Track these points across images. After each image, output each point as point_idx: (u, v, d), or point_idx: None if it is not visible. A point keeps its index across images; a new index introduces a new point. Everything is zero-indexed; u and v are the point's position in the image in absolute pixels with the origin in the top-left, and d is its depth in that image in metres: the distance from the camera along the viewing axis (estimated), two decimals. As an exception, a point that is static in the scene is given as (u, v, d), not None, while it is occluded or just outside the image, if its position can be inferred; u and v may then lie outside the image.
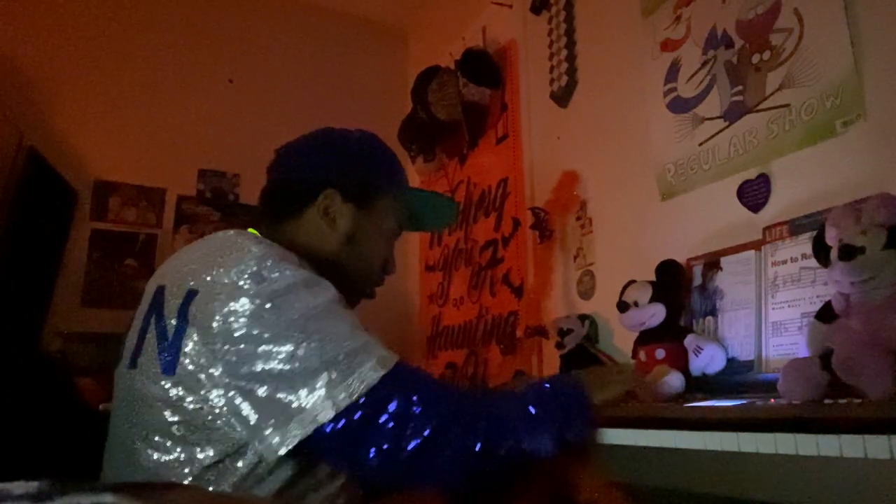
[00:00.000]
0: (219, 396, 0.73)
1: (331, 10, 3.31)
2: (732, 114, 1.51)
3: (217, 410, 0.74)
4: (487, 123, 2.57)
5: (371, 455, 0.72)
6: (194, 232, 2.80)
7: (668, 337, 1.43)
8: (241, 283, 0.75)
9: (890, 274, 0.96)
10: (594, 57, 2.06)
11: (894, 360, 0.85)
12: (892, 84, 1.21)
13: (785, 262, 1.28)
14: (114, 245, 2.69)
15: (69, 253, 2.59)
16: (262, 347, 0.73)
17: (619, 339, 1.80)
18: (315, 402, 0.71)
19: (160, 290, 0.82)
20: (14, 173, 2.20)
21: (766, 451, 0.70)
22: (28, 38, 2.65)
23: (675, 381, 1.33)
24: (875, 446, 0.61)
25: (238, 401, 0.73)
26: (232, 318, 0.73)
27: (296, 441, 0.71)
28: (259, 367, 0.72)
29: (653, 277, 1.51)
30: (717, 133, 1.55)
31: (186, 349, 0.75)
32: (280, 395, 0.72)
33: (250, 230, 0.97)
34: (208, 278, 0.77)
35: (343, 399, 0.71)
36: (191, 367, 0.74)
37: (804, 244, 1.23)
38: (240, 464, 0.75)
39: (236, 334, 0.73)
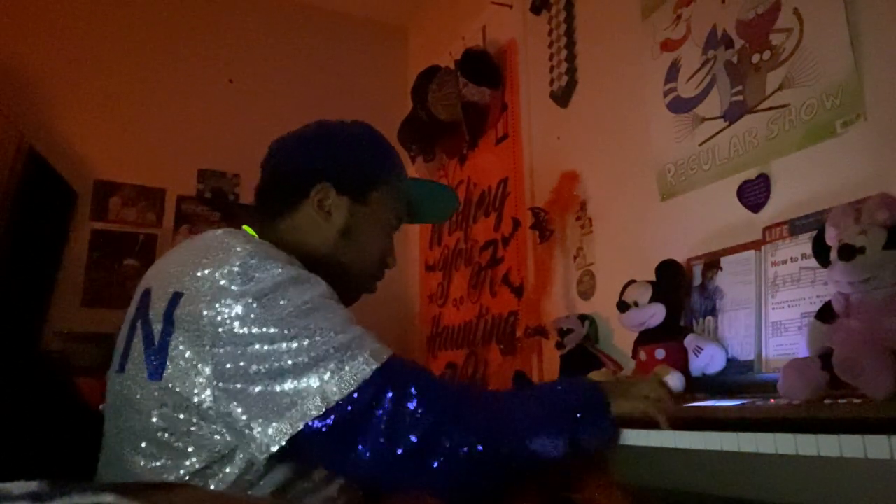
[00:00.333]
0: (208, 398, 0.72)
1: (331, 10, 3.31)
2: (732, 114, 1.51)
3: (205, 414, 0.72)
4: (487, 123, 2.57)
5: (365, 452, 0.70)
6: (194, 232, 2.80)
7: (668, 337, 1.43)
8: (227, 283, 0.73)
9: (890, 274, 0.96)
10: (594, 57, 2.06)
11: (894, 360, 0.85)
12: (892, 84, 1.21)
13: (785, 262, 1.28)
14: (114, 245, 2.69)
15: (69, 253, 2.59)
16: (251, 347, 0.71)
17: (619, 339, 1.80)
18: (305, 397, 0.70)
19: (146, 293, 0.80)
20: (14, 173, 2.20)
21: (766, 451, 0.70)
22: (28, 38, 2.65)
23: (675, 381, 1.33)
24: (875, 446, 0.61)
25: (228, 401, 0.71)
26: (219, 320, 0.72)
27: (286, 437, 0.69)
28: (248, 366, 0.71)
29: (653, 277, 1.51)
30: (717, 133, 1.55)
31: (173, 353, 0.73)
32: (270, 393, 0.70)
33: (245, 227, 0.96)
34: (193, 280, 0.75)
35: (334, 393, 0.70)
36: (178, 371, 0.73)
37: (804, 244, 1.23)
38: (228, 469, 0.73)
39: (224, 336, 0.72)
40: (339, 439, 0.71)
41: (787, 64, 1.39)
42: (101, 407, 0.86)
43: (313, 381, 0.70)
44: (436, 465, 0.72)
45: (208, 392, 0.72)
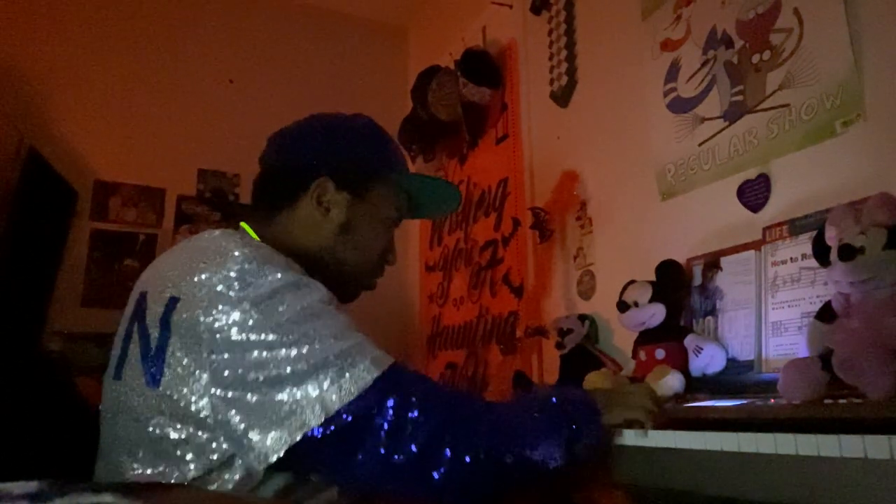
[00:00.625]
0: (206, 406, 0.71)
1: (331, 10, 3.31)
2: (732, 114, 1.51)
3: (204, 422, 0.71)
4: (487, 123, 2.57)
5: (366, 461, 0.69)
6: (194, 232, 2.76)
7: (668, 337, 1.43)
8: (224, 289, 0.72)
9: (890, 274, 0.96)
10: (594, 57, 2.06)
11: (894, 360, 0.85)
12: (892, 84, 1.21)
13: (785, 262, 1.28)
14: (114, 245, 2.69)
15: (69, 253, 2.59)
16: (249, 355, 0.70)
17: (619, 339, 1.80)
18: (305, 405, 0.68)
19: (143, 297, 0.79)
20: (14, 173, 2.20)
21: (766, 451, 0.70)
22: (28, 38, 2.65)
23: (675, 381, 1.33)
24: (875, 446, 0.61)
25: (226, 409, 0.70)
26: (216, 326, 0.70)
27: (286, 446, 0.68)
28: (246, 374, 0.69)
29: (653, 277, 1.51)
30: (717, 133, 1.55)
31: (171, 360, 0.72)
32: (269, 401, 0.68)
33: (243, 224, 0.94)
34: (190, 285, 0.74)
35: (334, 402, 0.68)
36: (175, 378, 0.71)
37: (804, 244, 1.23)
38: (227, 476, 0.72)
39: (221, 343, 0.70)
40: (339, 448, 0.70)
41: (787, 64, 1.39)
42: (101, 406, 0.86)
43: (313, 390, 0.69)
44: (436, 474, 0.71)
45: (206, 400, 0.71)
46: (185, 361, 0.72)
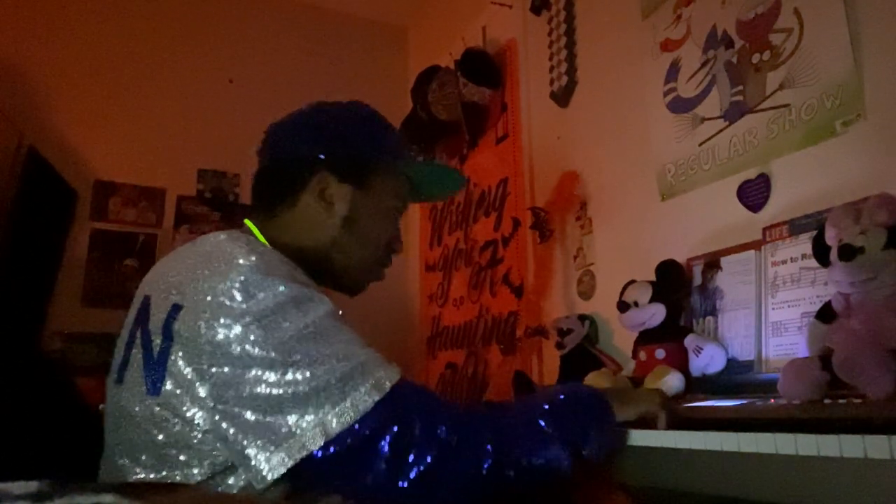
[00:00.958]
0: (203, 419, 0.70)
1: (331, 10, 3.31)
2: (732, 114, 1.51)
3: (202, 432, 0.70)
4: (487, 123, 2.57)
5: (368, 483, 0.69)
6: (194, 232, 2.80)
7: (668, 337, 1.43)
8: (227, 300, 0.71)
9: (890, 274, 0.96)
10: (594, 57, 2.06)
11: (894, 360, 0.85)
12: (892, 84, 1.21)
13: (785, 262, 1.28)
14: (114, 245, 2.69)
15: (69, 253, 2.59)
16: (250, 371, 0.69)
17: (619, 339, 1.80)
18: (305, 428, 0.67)
19: (146, 300, 0.78)
20: (14, 173, 2.20)
21: (766, 451, 0.70)
22: (28, 38, 2.65)
23: (675, 381, 1.33)
24: (875, 446, 0.61)
25: (224, 425, 0.69)
26: (218, 339, 0.69)
27: (283, 469, 0.67)
28: (246, 391, 0.68)
29: (653, 277, 1.51)
30: (717, 133, 1.55)
31: (172, 368, 0.71)
32: (268, 421, 0.68)
33: (246, 221, 0.93)
34: (193, 292, 0.73)
35: (335, 426, 0.68)
36: (176, 387, 0.71)
37: (804, 244, 1.23)
38: (231, 481, 0.72)
39: (222, 356, 0.69)
40: (340, 470, 0.69)
41: (787, 64, 1.39)
42: (101, 407, 0.86)
43: (313, 413, 0.68)
44: (439, 494, 0.70)
45: (206, 413, 0.70)
46: (185, 371, 0.71)
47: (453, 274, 2.80)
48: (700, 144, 1.59)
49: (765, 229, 1.35)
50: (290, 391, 0.68)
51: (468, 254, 2.69)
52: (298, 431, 0.68)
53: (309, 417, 0.68)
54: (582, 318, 1.86)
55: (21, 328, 2.23)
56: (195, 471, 0.72)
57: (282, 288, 0.73)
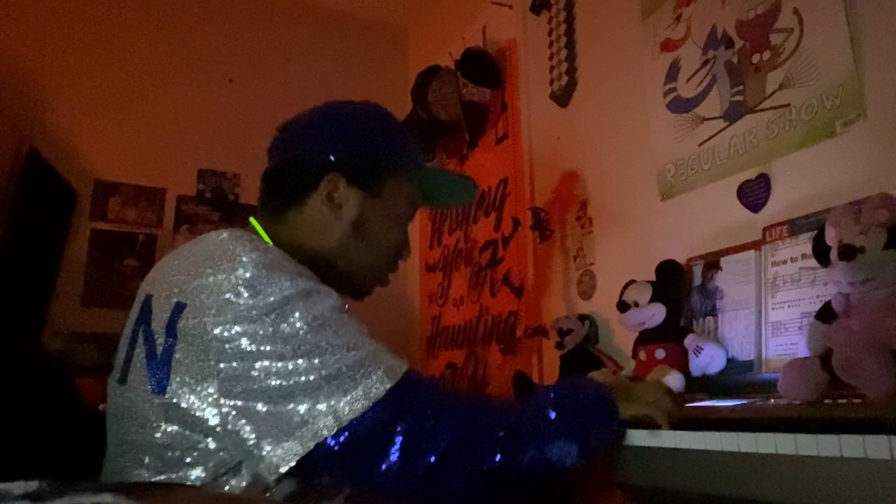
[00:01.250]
0: (214, 416, 0.69)
1: (331, 11, 3.31)
2: (732, 114, 1.51)
3: (212, 431, 0.70)
4: (487, 123, 2.57)
5: (381, 472, 0.68)
6: (194, 232, 2.80)
7: (668, 337, 1.43)
8: (233, 297, 0.70)
9: (890, 274, 0.96)
10: (594, 57, 2.06)
11: (894, 360, 0.85)
12: (892, 84, 1.21)
13: (785, 262, 1.28)
14: (114, 245, 2.69)
15: (69, 253, 2.59)
16: (259, 364, 0.68)
17: (619, 339, 1.80)
18: (317, 416, 0.67)
19: (148, 300, 0.77)
20: (14, 173, 2.20)
21: (766, 451, 0.70)
22: (28, 38, 2.65)
23: (675, 381, 1.33)
24: (875, 446, 0.61)
25: (235, 419, 0.68)
26: (225, 335, 0.69)
27: (297, 458, 0.67)
28: (256, 384, 0.68)
29: (653, 277, 1.51)
30: (717, 133, 1.55)
31: (177, 367, 0.71)
32: (280, 411, 0.67)
33: (252, 220, 0.92)
34: (197, 291, 0.72)
35: (347, 413, 0.67)
36: (182, 386, 0.70)
37: (804, 244, 1.23)
38: (234, 482, 0.72)
39: (230, 352, 0.69)
40: (352, 459, 0.69)
41: (787, 64, 1.39)
42: (101, 407, 0.86)
43: (325, 401, 0.68)
44: (453, 483, 0.70)
45: (214, 409, 0.70)
46: (192, 369, 0.70)
47: (453, 274, 2.80)
48: (700, 144, 1.59)
49: (765, 229, 1.35)
50: (301, 380, 0.68)
51: (468, 254, 2.69)
52: (310, 420, 0.67)
53: (321, 406, 0.68)
54: (582, 318, 1.86)
55: (21, 328, 2.23)
56: (198, 472, 0.71)
57: (288, 283, 0.72)
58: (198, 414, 0.70)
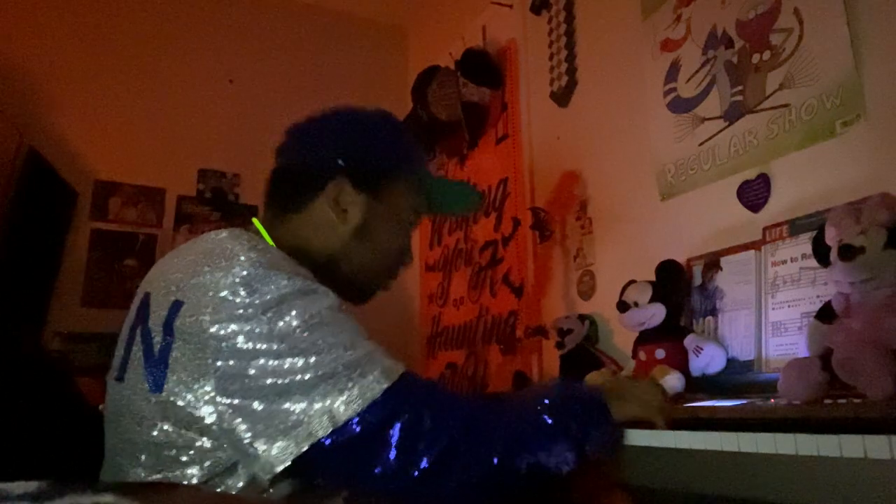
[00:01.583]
0: (210, 414, 0.69)
1: (331, 10, 3.31)
2: (732, 114, 1.51)
3: (208, 429, 0.70)
4: (487, 123, 2.57)
5: (377, 473, 0.68)
6: (194, 232, 2.79)
7: (668, 337, 1.43)
8: (230, 295, 0.70)
9: (890, 274, 0.96)
10: (594, 57, 2.06)
11: (894, 360, 0.85)
12: (892, 84, 1.21)
13: (785, 262, 1.28)
14: (114, 245, 2.69)
15: (69, 253, 2.59)
16: (256, 363, 0.68)
17: (619, 339, 1.80)
18: (312, 416, 0.67)
19: (146, 298, 0.77)
20: (14, 173, 2.20)
21: (766, 451, 0.70)
22: (28, 38, 2.65)
23: (675, 381, 1.33)
24: (875, 446, 0.61)
25: (231, 418, 0.68)
26: (222, 334, 0.69)
27: (292, 457, 0.67)
28: (253, 382, 0.68)
29: (653, 277, 1.51)
30: (717, 133, 1.55)
31: (174, 365, 0.71)
32: (275, 410, 0.67)
33: (254, 220, 0.92)
34: (194, 289, 0.72)
35: (342, 413, 0.67)
36: (179, 384, 0.70)
37: (804, 244, 1.23)
38: (230, 482, 0.71)
39: (227, 350, 0.69)
40: (348, 459, 0.69)
41: (787, 64, 1.39)
42: (101, 406, 0.86)
43: (321, 400, 0.67)
44: (449, 485, 0.70)
45: (211, 407, 0.69)
46: (189, 367, 0.70)
47: (453, 274, 2.80)
48: (700, 144, 1.59)
49: (765, 229, 1.35)
50: (296, 379, 0.68)
51: (468, 254, 2.69)
52: (306, 419, 0.67)
53: (317, 405, 0.67)
54: (582, 318, 1.86)
55: (21, 328, 2.23)
56: (194, 471, 0.71)
57: (285, 281, 0.72)
58: (194, 412, 0.70)
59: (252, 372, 0.68)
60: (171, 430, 0.71)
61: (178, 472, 0.71)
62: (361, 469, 0.69)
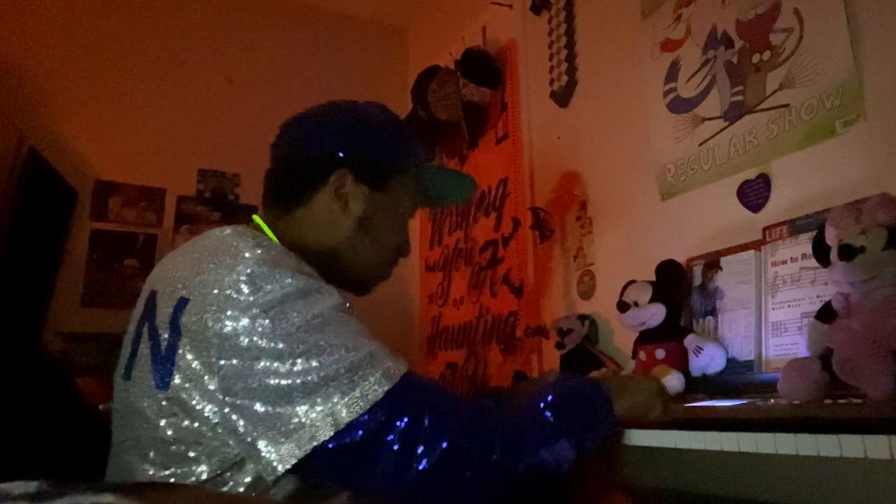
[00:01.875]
0: (213, 412, 0.70)
1: (331, 10, 3.31)
2: (732, 114, 1.51)
3: (212, 426, 0.70)
4: (487, 123, 2.57)
5: (378, 474, 0.68)
6: (194, 232, 2.79)
7: (668, 337, 1.43)
8: (234, 292, 0.70)
9: (890, 274, 0.96)
10: (594, 57, 2.06)
11: (894, 360, 0.85)
12: (892, 84, 1.21)
13: (785, 262, 1.28)
14: (114, 245, 2.69)
15: (69, 253, 2.59)
16: (259, 363, 0.68)
17: (619, 339, 1.80)
18: (314, 418, 0.67)
19: (152, 296, 0.78)
20: (14, 173, 2.20)
21: (766, 451, 0.70)
22: (28, 37, 2.65)
23: (675, 381, 1.33)
24: (875, 446, 0.61)
25: (233, 417, 0.69)
26: (225, 332, 0.69)
27: (293, 460, 0.67)
28: (255, 382, 0.68)
29: (653, 277, 1.51)
30: (717, 133, 1.55)
31: (180, 362, 0.71)
32: (278, 412, 0.68)
33: (255, 217, 0.92)
34: (199, 286, 0.72)
35: (344, 416, 0.67)
36: (185, 380, 0.71)
37: (804, 244, 1.23)
38: (238, 478, 0.72)
39: (230, 349, 0.69)
40: (350, 461, 0.69)
41: (787, 64, 1.39)
42: (101, 407, 0.86)
43: (322, 403, 0.68)
44: (450, 486, 0.70)
45: (215, 405, 0.70)
46: (194, 365, 0.71)
47: (453, 274, 2.80)
48: (700, 144, 1.59)
49: (765, 229, 1.35)
50: (298, 381, 0.68)
51: (468, 254, 2.69)
52: (308, 422, 0.67)
53: (318, 408, 0.68)
54: (582, 318, 1.86)
55: (21, 328, 2.23)
56: (203, 467, 0.72)
57: (289, 280, 0.72)
58: (199, 410, 0.70)
59: (255, 372, 0.69)
60: (178, 427, 0.72)
61: (186, 469, 0.72)
62: (363, 470, 0.69)
